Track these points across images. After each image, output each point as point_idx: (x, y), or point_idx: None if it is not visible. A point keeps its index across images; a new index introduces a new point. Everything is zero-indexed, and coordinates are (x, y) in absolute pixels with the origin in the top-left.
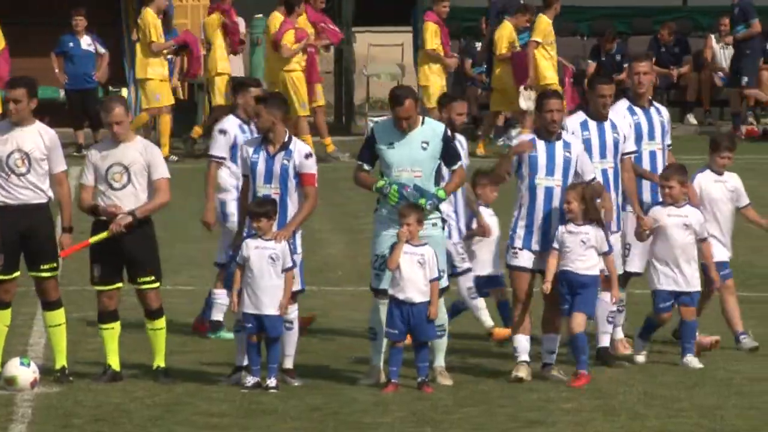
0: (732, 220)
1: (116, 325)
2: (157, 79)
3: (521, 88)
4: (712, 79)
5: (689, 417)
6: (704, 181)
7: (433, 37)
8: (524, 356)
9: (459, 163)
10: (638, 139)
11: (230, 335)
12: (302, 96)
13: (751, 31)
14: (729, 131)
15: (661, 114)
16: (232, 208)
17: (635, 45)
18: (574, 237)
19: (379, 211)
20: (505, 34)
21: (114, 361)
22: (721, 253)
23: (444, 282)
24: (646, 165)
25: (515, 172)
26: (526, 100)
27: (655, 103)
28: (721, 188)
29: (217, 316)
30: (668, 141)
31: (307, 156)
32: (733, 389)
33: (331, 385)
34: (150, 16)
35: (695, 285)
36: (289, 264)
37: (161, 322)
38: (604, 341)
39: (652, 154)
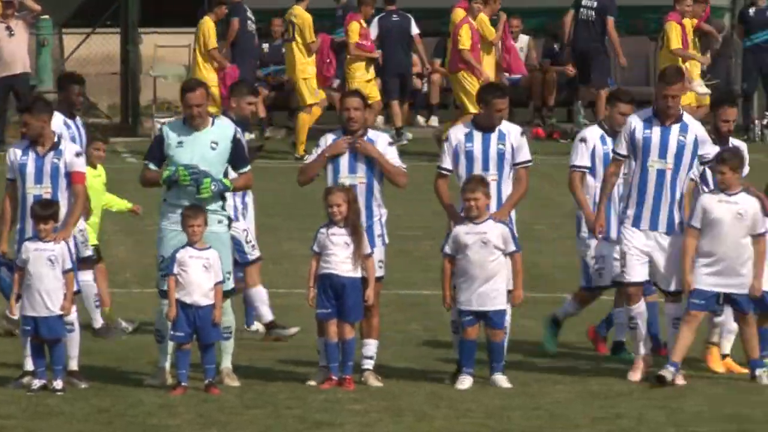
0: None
1: None
2: (312, 77)
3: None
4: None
5: (476, 418)
6: None
7: (677, 36)
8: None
9: (248, 168)
10: (645, 153)
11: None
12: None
13: None
14: None
15: (685, 132)
16: None
17: (429, 44)
18: (338, 239)
19: (164, 210)
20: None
21: None
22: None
23: (230, 284)
24: (651, 182)
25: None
26: (701, 87)
27: (686, 119)
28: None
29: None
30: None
31: (77, 155)
32: (519, 390)
33: (118, 387)
34: (306, 15)
35: (490, 305)
36: (69, 266)
37: None
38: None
39: (660, 173)
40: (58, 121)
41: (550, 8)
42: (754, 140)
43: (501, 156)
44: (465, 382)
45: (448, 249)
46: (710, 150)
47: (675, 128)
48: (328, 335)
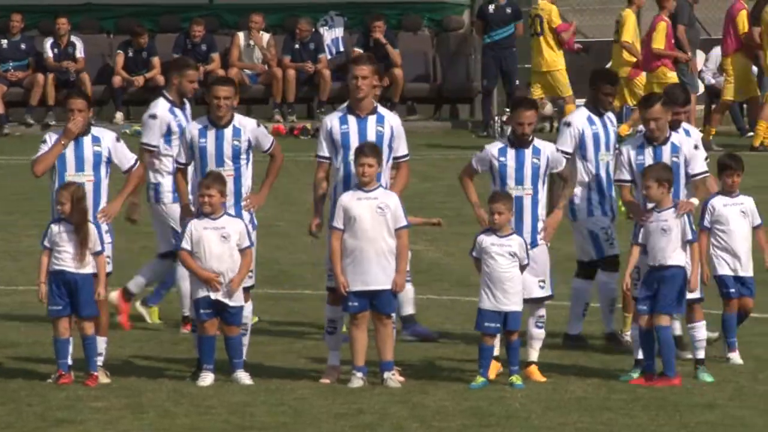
0: None
1: None
2: (563, 68)
3: None
4: (239, 75)
5: (218, 414)
6: None
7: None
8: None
9: None
10: (345, 149)
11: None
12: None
13: None
14: None
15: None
16: None
17: (163, 43)
18: (69, 236)
19: None
20: None
21: None
22: None
23: None
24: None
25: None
26: None
27: (382, 111)
28: None
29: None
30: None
31: None
32: (261, 386)
33: None
34: (553, 6)
35: (228, 299)
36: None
37: None
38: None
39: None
40: None
41: (290, 5)
42: (494, 136)
43: (236, 150)
44: (207, 379)
45: (185, 244)
46: (403, 148)
47: (371, 119)
48: (58, 332)
